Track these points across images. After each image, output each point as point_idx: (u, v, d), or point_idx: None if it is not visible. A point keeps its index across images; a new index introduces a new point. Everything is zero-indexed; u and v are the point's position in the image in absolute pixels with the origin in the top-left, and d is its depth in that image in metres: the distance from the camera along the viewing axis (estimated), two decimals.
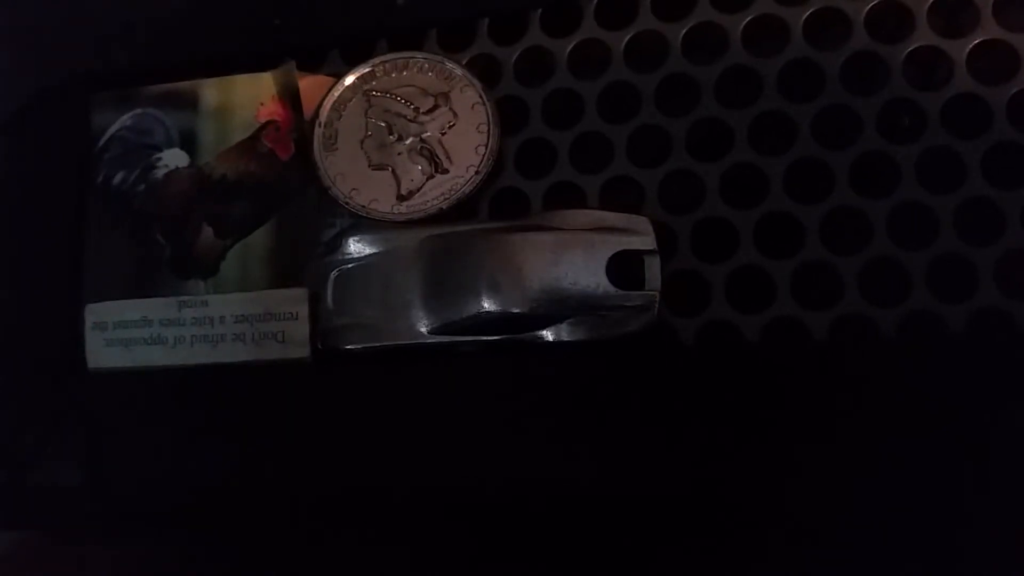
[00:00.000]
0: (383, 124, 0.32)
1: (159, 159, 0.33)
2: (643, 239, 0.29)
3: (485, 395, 0.29)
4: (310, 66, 0.33)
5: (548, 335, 0.29)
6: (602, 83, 0.31)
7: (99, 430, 0.32)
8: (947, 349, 0.28)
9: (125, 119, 0.34)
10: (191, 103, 0.34)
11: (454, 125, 0.31)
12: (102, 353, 0.32)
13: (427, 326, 0.29)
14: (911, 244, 0.28)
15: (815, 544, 0.27)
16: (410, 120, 0.32)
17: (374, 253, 0.30)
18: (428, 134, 0.31)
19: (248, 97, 0.33)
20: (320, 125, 0.32)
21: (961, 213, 0.28)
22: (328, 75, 0.33)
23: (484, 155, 0.31)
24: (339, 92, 0.32)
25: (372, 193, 0.31)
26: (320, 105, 0.32)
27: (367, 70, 0.32)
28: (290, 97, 0.33)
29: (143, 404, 0.32)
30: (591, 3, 0.31)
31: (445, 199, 0.31)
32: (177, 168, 0.33)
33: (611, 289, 0.28)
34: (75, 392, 0.32)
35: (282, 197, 0.32)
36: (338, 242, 0.31)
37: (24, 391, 0.33)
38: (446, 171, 0.31)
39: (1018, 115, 0.28)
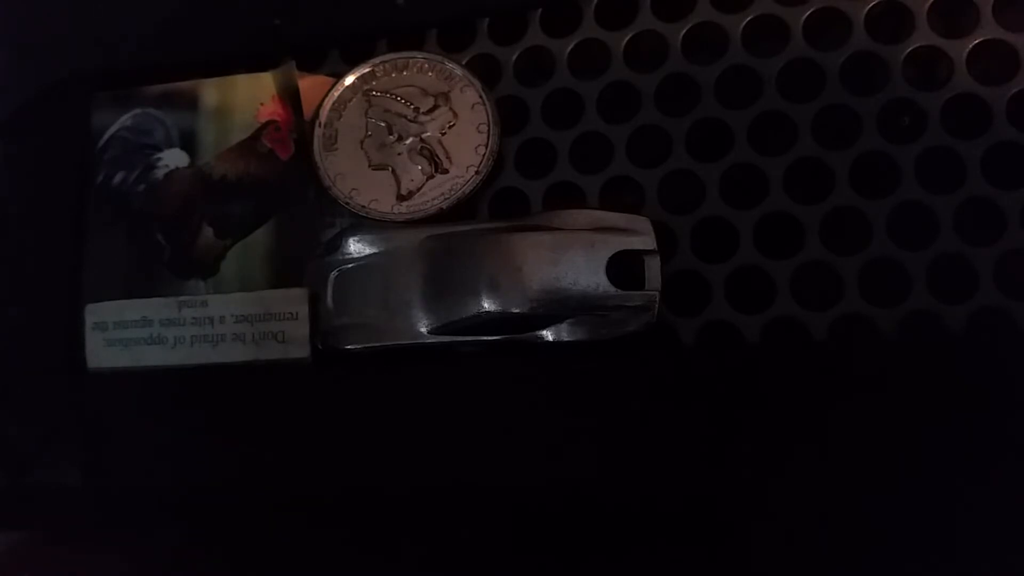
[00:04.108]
0: (383, 124, 0.32)
1: (159, 159, 0.34)
2: (643, 239, 0.29)
3: (485, 395, 0.29)
4: (310, 66, 0.33)
5: (548, 335, 0.29)
6: (602, 83, 0.31)
7: (99, 430, 0.32)
8: (947, 349, 0.28)
9: (125, 119, 0.34)
10: (191, 103, 0.34)
11: (454, 125, 0.31)
12: (102, 353, 0.32)
13: (427, 326, 0.29)
14: (911, 244, 0.28)
15: (815, 544, 0.27)
16: (410, 120, 0.32)
17: (374, 253, 0.30)
18: (428, 134, 0.31)
19: (248, 97, 0.33)
20: (320, 125, 0.32)
21: (961, 213, 0.28)
22: (328, 75, 0.33)
23: (484, 155, 0.31)
24: (339, 92, 0.32)
25: (372, 193, 0.31)
26: (320, 105, 0.32)
27: (367, 70, 0.32)
28: (290, 97, 0.33)
29: (143, 404, 0.32)
30: (591, 3, 0.31)
31: (445, 199, 0.31)
32: (177, 168, 0.33)
33: (611, 289, 0.28)
34: (75, 392, 0.32)
35: (282, 197, 0.32)
36: (338, 242, 0.31)
37: (24, 391, 0.33)
38: (446, 171, 0.31)
39: (1018, 115, 0.28)
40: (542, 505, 0.28)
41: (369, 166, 0.32)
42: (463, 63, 0.32)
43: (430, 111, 0.32)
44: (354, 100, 0.32)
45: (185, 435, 0.31)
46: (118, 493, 0.32)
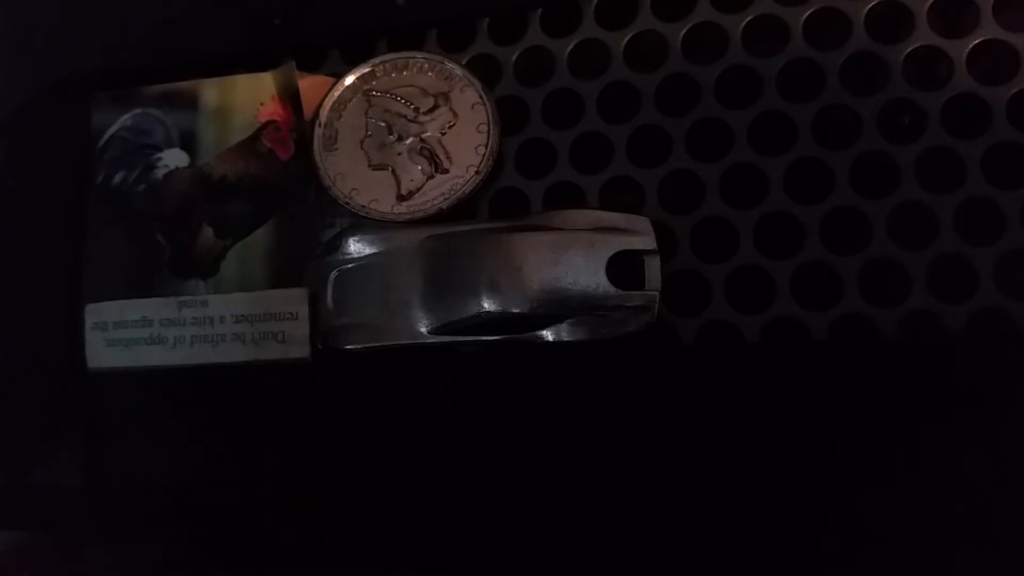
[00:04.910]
0: (383, 124, 0.32)
1: (159, 159, 0.34)
2: (643, 239, 0.29)
3: (485, 395, 0.29)
4: (310, 66, 0.33)
5: (548, 335, 0.29)
6: (602, 83, 0.31)
7: (99, 430, 0.32)
8: (947, 349, 0.28)
9: (125, 119, 0.34)
10: (191, 103, 0.34)
11: (454, 125, 0.31)
12: (102, 353, 0.32)
13: (427, 326, 0.29)
14: (911, 244, 0.28)
15: (815, 544, 0.27)
16: (410, 120, 0.32)
17: (374, 253, 0.30)
18: (428, 134, 0.31)
19: (248, 97, 0.33)
20: (320, 125, 0.32)
21: (961, 213, 0.28)
22: (328, 75, 0.33)
23: (484, 155, 0.31)
24: (339, 92, 0.32)
25: (372, 193, 0.31)
26: (320, 105, 0.32)
27: (367, 70, 0.32)
28: (290, 97, 0.33)
29: (143, 404, 0.32)
30: (591, 3, 0.31)
31: (445, 199, 0.31)
32: (177, 168, 0.33)
33: (611, 289, 0.28)
34: (75, 392, 0.32)
35: (282, 197, 0.32)
36: (338, 242, 0.31)
37: (24, 391, 0.33)
38: (446, 171, 0.31)
39: (1018, 115, 0.28)
40: (542, 505, 0.28)
41: (369, 166, 0.32)
42: (463, 63, 0.32)
43: (430, 111, 0.32)
44: (354, 100, 0.32)
45: (185, 435, 0.31)
46: (118, 493, 0.32)
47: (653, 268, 0.29)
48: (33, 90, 0.35)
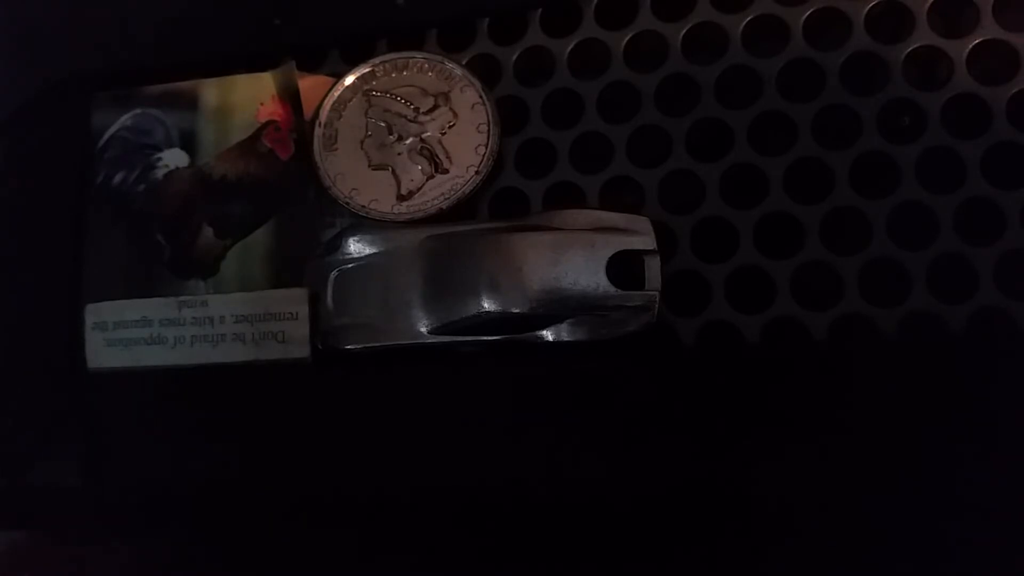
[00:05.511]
0: (383, 124, 0.32)
1: (159, 159, 0.34)
2: (643, 239, 0.29)
3: (485, 395, 0.29)
4: (310, 66, 0.33)
5: (548, 335, 0.29)
6: (602, 83, 0.31)
7: (99, 430, 0.32)
8: (947, 349, 0.28)
9: (125, 119, 0.34)
10: (191, 103, 0.34)
11: (454, 125, 0.31)
12: (102, 353, 0.32)
13: (427, 326, 0.29)
14: (911, 244, 0.28)
15: (815, 544, 0.27)
16: (410, 120, 0.32)
17: (374, 253, 0.30)
18: (428, 134, 0.31)
19: (248, 97, 0.33)
20: (320, 125, 0.32)
21: (961, 213, 0.28)
22: (328, 75, 0.33)
23: (484, 155, 0.31)
24: (339, 92, 0.32)
25: (372, 193, 0.31)
26: (320, 105, 0.32)
27: (367, 70, 0.32)
28: (290, 97, 0.33)
29: (143, 404, 0.32)
30: (591, 3, 0.31)
31: (445, 199, 0.31)
32: (177, 168, 0.33)
33: (611, 289, 0.28)
34: (75, 392, 0.32)
35: (282, 197, 0.32)
36: (338, 242, 0.31)
37: (24, 391, 0.33)
38: (446, 171, 0.31)
39: (1018, 115, 0.28)
40: (542, 505, 0.28)
41: (369, 166, 0.32)
42: (463, 63, 0.32)
43: (430, 111, 0.32)
44: (354, 100, 0.32)
45: (185, 435, 0.31)
46: (118, 493, 0.32)
47: (653, 268, 0.29)
48: (33, 90, 0.35)
